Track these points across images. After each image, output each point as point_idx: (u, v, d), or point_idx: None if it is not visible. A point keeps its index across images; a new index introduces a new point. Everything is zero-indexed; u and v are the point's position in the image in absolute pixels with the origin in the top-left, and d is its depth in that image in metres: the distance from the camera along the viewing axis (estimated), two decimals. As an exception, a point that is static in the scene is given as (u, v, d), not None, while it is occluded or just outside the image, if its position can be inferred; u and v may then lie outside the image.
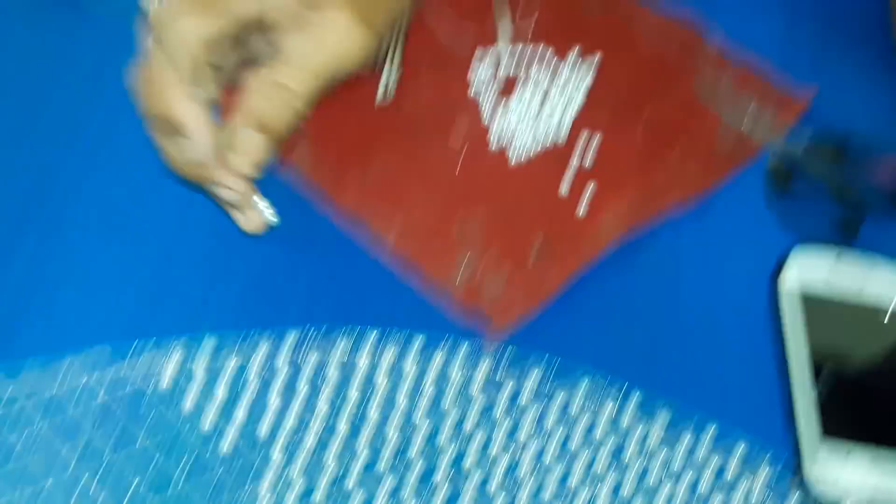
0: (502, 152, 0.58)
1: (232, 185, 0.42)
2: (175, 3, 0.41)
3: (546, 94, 0.61)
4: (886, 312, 0.50)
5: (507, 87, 0.60)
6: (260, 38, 0.44)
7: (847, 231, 0.55)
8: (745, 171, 0.58)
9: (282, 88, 0.42)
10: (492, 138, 0.58)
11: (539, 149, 0.58)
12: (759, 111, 0.61)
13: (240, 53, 0.44)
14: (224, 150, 0.42)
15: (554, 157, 0.58)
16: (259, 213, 0.44)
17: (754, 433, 0.45)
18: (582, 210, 0.55)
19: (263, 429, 0.42)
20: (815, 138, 0.59)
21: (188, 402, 0.42)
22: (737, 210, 0.56)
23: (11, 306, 0.45)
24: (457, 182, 0.56)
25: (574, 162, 0.58)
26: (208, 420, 0.41)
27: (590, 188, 0.56)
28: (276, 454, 0.41)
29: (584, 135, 0.59)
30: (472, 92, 0.60)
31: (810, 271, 0.52)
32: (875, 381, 0.47)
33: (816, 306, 0.50)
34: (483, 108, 0.60)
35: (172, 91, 0.40)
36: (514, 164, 0.58)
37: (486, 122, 0.59)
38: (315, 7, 0.43)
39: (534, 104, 0.60)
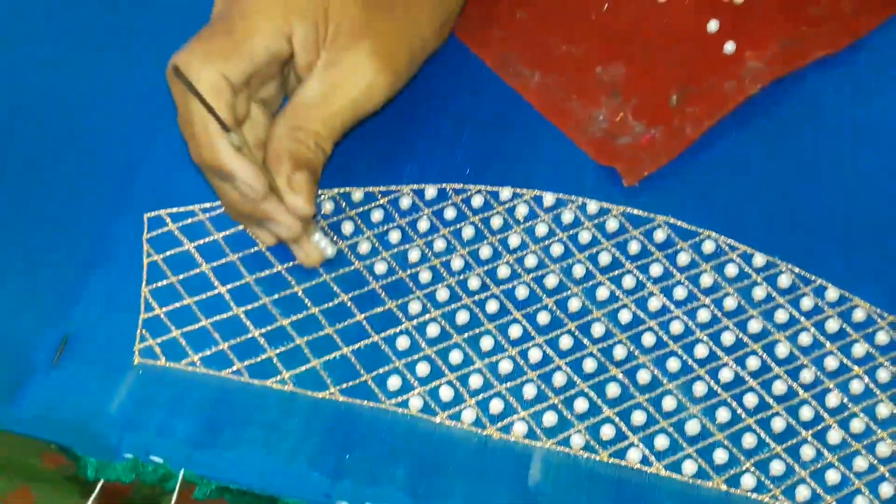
0: (652, -15, 0.57)
1: (288, 222, 0.44)
2: (192, 52, 0.41)
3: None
4: None
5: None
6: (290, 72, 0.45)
7: None
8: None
9: (311, 133, 0.43)
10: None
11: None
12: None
13: (280, 84, 0.45)
14: (277, 192, 0.43)
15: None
16: (316, 247, 0.45)
17: (878, 298, 0.46)
18: (731, 47, 0.55)
19: (412, 255, 0.47)
20: None
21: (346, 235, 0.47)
22: (887, 55, 0.54)
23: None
24: (601, 26, 0.56)
25: (726, -4, 0.57)
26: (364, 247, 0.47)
27: (739, 25, 0.55)
28: (424, 274, 0.47)
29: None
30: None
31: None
32: None
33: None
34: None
35: (217, 140, 0.41)
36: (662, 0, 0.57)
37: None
38: (338, 49, 0.43)
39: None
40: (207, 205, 0.49)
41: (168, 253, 0.48)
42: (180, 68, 0.41)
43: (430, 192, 0.50)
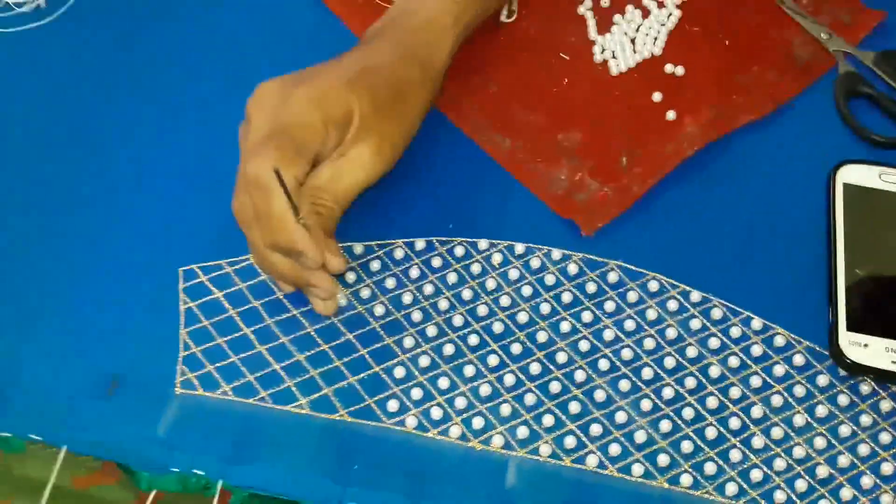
0: (605, 63, 0.67)
1: (328, 286, 0.52)
2: (269, 154, 0.50)
3: (647, 10, 0.69)
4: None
5: (613, 4, 0.68)
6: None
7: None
8: (816, 84, 0.65)
9: (329, 209, 0.53)
10: (596, 50, 0.67)
11: (638, 59, 0.67)
12: (836, 20, 0.67)
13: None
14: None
15: (649, 68, 0.66)
16: (335, 301, 0.54)
17: (795, 327, 0.55)
18: (672, 115, 0.64)
19: (406, 298, 0.56)
20: (885, 48, 0.64)
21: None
22: (806, 118, 0.64)
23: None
24: (561, 97, 0.65)
25: (667, 70, 0.66)
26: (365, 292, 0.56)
27: (679, 95, 0.64)
28: (416, 315, 0.55)
29: (678, 48, 0.66)
30: (581, 8, 0.68)
31: (868, 173, 0.59)
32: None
33: (867, 203, 0.58)
34: (590, 23, 0.68)
35: (289, 225, 0.50)
36: (615, 73, 0.66)
37: (592, 37, 0.67)
38: (348, 143, 0.53)
39: (635, 19, 0.68)
40: (232, 259, 0.58)
41: (201, 301, 0.56)
42: (262, 168, 0.50)
43: (420, 244, 0.59)
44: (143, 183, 0.60)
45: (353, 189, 0.54)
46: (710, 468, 0.51)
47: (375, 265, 0.57)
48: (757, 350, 0.55)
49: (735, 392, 0.53)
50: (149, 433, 0.51)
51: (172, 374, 0.53)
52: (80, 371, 0.53)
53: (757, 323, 0.56)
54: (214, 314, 0.56)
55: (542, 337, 0.55)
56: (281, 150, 0.51)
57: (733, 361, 0.54)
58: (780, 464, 0.51)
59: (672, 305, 0.56)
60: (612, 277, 0.57)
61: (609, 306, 0.56)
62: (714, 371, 0.54)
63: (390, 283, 0.57)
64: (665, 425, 0.52)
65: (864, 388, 0.53)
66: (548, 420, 0.52)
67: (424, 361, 0.54)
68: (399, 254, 0.58)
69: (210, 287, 0.57)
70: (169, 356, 0.54)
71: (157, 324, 0.55)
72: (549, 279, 0.57)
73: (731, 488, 0.50)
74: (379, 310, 0.56)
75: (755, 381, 0.54)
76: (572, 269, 0.57)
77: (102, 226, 0.59)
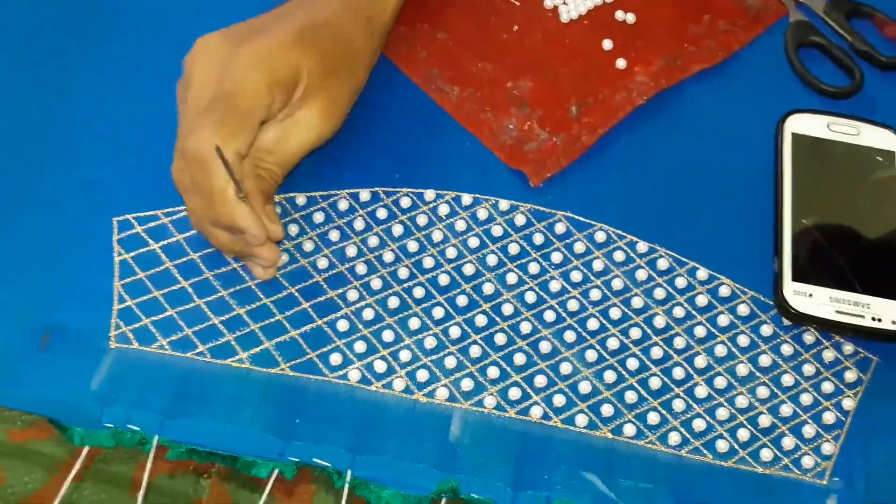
0: (555, 10, 0.65)
1: (272, 256, 0.51)
2: (211, 130, 0.48)
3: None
4: (878, 159, 0.57)
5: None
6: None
7: (855, 84, 0.62)
8: (766, 34, 0.64)
9: (269, 172, 0.51)
10: (546, -4, 0.66)
11: (589, 6, 0.65)
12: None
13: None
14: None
15: (600, 15, 0.65)
16: (276, 268, 0.52)
17: (741, 277, 0.55)
18: (622, 63, 0.63)
19: (350, 251, 0.55)
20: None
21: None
22: (757, 67, 0.63)
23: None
24: (511, 45, 0.64)
25: (618, 18, 0.65)
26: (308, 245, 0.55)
27: (630, 43, 0.63)
28: (360, 267, 0.55)
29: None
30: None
31: (816, 122, 0.59)
32: (849, 232, 0.56)
33: (815, 153, 0.58)
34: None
35: (231, 202, 0.48)
36: (565, 20, 0.65)
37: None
38: (295, 106, 0.51)
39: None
40: (169, 209, 0.56)
41: (136, 252, 0.55)
42: (204, 145, 0.48)
43: (364, 195, 0.57)
44: (76, 129, 0.59)
45: (298, 153, 0.53)
46: (653, 418, 0.51)
47: (319, 217, 0.56)
48: (702, 300, 0.54)
49: (679, 342, 0.53)
50: (82, 388, 0.50)
51: (106, 328, 0.52)
52: (10, 324, 0.52)
53: (702, 273, 0.55)
54: (150, 266, 0.54)
55: (488, 289, 0.54)
56: (223, 123, 0.49)
57: (678, 312, 0.54)
58: (722, 413, 0.51)
59: (619, 256, 0.56)
60: (560, 228, 0.57)
61: (556, 257, 0.56)
62: (659, 321, 0.54)
63: (334, 235, 0.56)
64: (609, 376, 0.52)
65: (808, 338, 0.53)
66: (493, 372, 0.52)
67: (368, 314, 0.53)
68: (343, 205, 0.57)
69: (146, 238, 0.55)
70: (103, 309, 0.52)
71: (90, 276, 0.54)
72: (496, 230, 0.56)
73: (674, 437, 0.50)
74: (322, 262, 0.55)
75: (699, 332, 0.54)
76: (520, 220, 0.57)
77: (33, 174, 0.57)
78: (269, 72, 0.50)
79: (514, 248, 0.56)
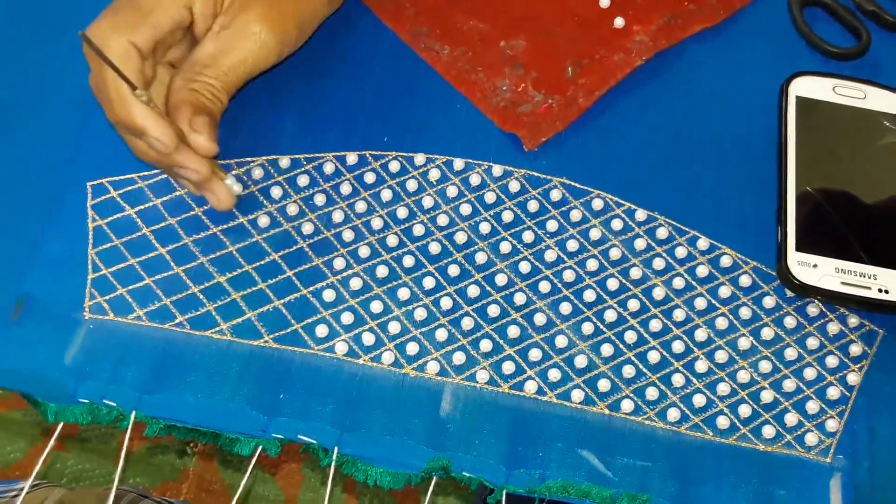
0: (549, -35, 0.62)
1: (195, 166, 0.48)
2: (102, 23, 0.46)
3: None
4: (885, 123, 0.55)
5: None
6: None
7: (861, 46, 0.59)
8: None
9: (205, 85, 0.48)
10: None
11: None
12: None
13: (187, 47, 0.50)
14: (182, 137, 0.48)
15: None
16: (227, 191, 0.50)
17: (743, 247, 0.53)
18: (620, 22, 0.60)
19: (336, 216, 0.52)
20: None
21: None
22: (760, 27, 0.61)
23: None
24: (504, 2, 0.61)
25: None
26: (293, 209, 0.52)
27: (628, 1, 0.61)
28: (347, 234, 0.52)
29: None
30: None
31: (822, 85, 0.56)
32: (855, 201, 0.54)
33: (820, 117, 0.55)
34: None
35: (128, 99, 0.45)
36: (560, -23, 0.62)
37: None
38: (231, 14, 0.48)
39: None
40: (146, 173, 0.53)
41: (111, 218, 0.52)
42: (91, 37, 0.45)
43: (352, 158, 0.55)
44: (47, 89, 0.56)
45: (241, 66, 0.49)
46: (651, 393, 0.49)
47: (303, 180, 0.54)
48: (703, 271, 0.52)
49: (679, 314, 0.51)
50: (55, 361, 0.48)
51: (81, 298, 0.50)
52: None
53: (703, 243, 0.53)
54: (126, 233, 0.52)
55: (481, 258, 0.52)
56: (117, 13, 0.46)
57: (678, 283, 0.52)
58: (723, 388, 0.50)
59: (616, 225, 0.54)
60: (555, 195, 0.54)
61: (551, 226, 0.53)
62: (658, 293, 0.52)
63: (319, 199, 0.53)
64: (606, 349, 0.50)
65: (812, 311, 0.52)
66: (485, 345, 0.50)
67: (356, 284, 0.51)
68: (329, 168, 0.54)
69: (121, 203, 0.53)
70: (77, 278, 0.50)
71: (63, 244, 0.51)
72: (490, 197, 0.54)
73: (673, 414, 0.49)
74: (307, 228, 0.52)
75: (700, 303, 0.52)
76: (514, 186, 0.54)
77: (6, 139, 0.54)
78: None
79: (507, 216, 0.54)
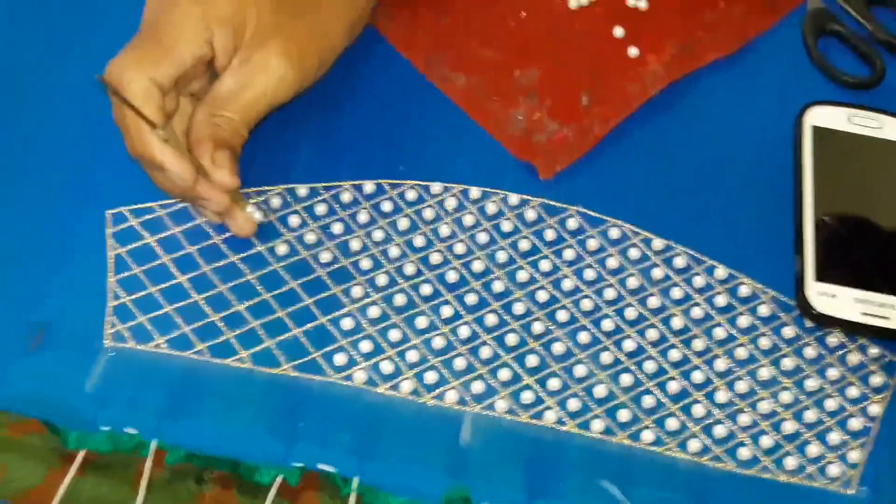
0: (564, -6, 0.63)
1: (216, 198, 0.48)
2: (124, 60, 0.46)
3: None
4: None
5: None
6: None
7: (876, 75, 0.60)
8: (783, 22, 0.62)
9: (226, 120, 0.49)
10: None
11: (599, -9, 0.63)
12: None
13: (208, 79, 0.50)
14: (203, 174, 0.48)
15: (610, 1, 0.63)
16: (247, 217, 0.50)
17: (761, 276, 0.53)
18: (634, 51, 0.61)
19: (354, 245, 0.53)
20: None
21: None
22: (774, 57, 0.61)
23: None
24: (519, 32, 0.62)
25: (629, 4, 0.63)
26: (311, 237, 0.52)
27: (642, 31, 0.61)
28: (365, 262, 0.52)
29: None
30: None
31: (837, 115, 0.57)
32: (873, 230, 0.54)
33: (836, 146, 0.56)
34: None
35: (147, 136, 0.46)
36: (573, 7, 0.63)
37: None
38: (251, 49, 0.49)
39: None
40: (165, 201, 0.54)
41: (131, 246, 0.52)
42: (114, 74, 0.46)
43: (369, 187, 0.55)
44: (66, 117, 0.56)
45: (261, 100, 0.50)
46: (672, 424, 0.49)
47: (321, 209, 0.54)
48: (721, 300, 0.52)
49: (698, 344, 0.51)
50: (76, 389, 0.48)
51: (101, 326, 0.50)
52: (1, 322, 0.49)
53: (721, 272, 0.53)
54: (146, 261, 0.52)
55: (498, 286, 0.52)
56: (138, 49, 0.47)
57: (697, 312, 0.52)
58: (744, 419, 0.49)
59: (634, 253, 0.54)
60: (572, 224, 0.54)
61: (568, 254, 0.53)
62: (677, 322, 0.52)
63: (337, 227, 0.53)
64: (626, 379, 0.50)
65: (832, 340, 0.52)
66: (504, 374, 0.50)
67: (374, 312, 0.51)
68: (346, 197, 0.54)
69: (141, 231, 0.53)
70: (97, 307, 0.50)
71: (83, 272, 0.51)
72: (506, 225, 0.54)
73: (694, 445, 0.49)
74: (325, 256, 0.52)
75: (719, 333, 0.52)
76: (530, 214, 0.54)
77: (21, 164, 0.54)
78: (207, 5, 0.48)
79: (524, 245, 0.54)
